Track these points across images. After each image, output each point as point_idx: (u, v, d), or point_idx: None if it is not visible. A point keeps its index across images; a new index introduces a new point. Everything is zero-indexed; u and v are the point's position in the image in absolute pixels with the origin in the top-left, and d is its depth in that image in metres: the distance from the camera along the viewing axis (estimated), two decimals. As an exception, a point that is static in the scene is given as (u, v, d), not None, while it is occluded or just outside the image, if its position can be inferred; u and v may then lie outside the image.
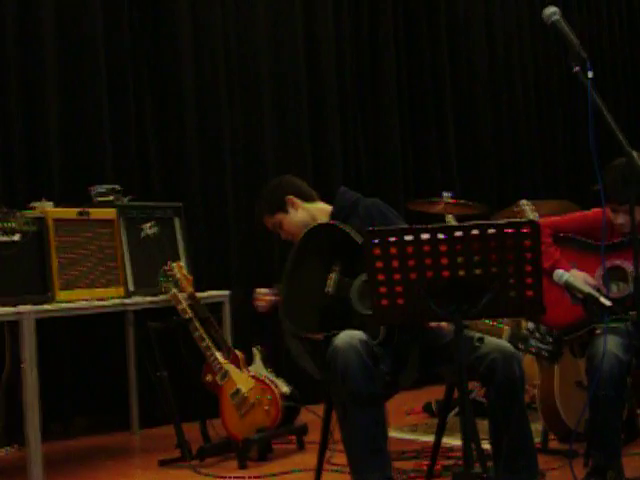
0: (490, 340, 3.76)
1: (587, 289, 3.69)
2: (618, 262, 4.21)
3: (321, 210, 4.29)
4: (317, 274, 3.96)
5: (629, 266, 4.15)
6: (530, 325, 3.54)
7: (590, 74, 3.17)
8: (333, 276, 3.91)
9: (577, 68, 3.22)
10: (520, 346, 3.48)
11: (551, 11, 3.31)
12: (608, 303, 3.58)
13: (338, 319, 3.88)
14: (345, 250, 3.89)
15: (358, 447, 3.70)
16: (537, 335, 3.43)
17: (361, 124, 7.62)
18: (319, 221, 4.18)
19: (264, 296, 4.30)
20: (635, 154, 3.24)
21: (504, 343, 3.78)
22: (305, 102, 7.23)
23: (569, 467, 3.93)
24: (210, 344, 5.21)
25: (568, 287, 3.78)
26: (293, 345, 3.99)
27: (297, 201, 4.30)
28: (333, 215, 4.19)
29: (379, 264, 3.01)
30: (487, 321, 3.61)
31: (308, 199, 4.35)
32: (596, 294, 3.64)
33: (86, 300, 5.26)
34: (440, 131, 8.09)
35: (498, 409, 3.80)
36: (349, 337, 3.66)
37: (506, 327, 3.51)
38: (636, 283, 3.30)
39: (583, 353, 4.23)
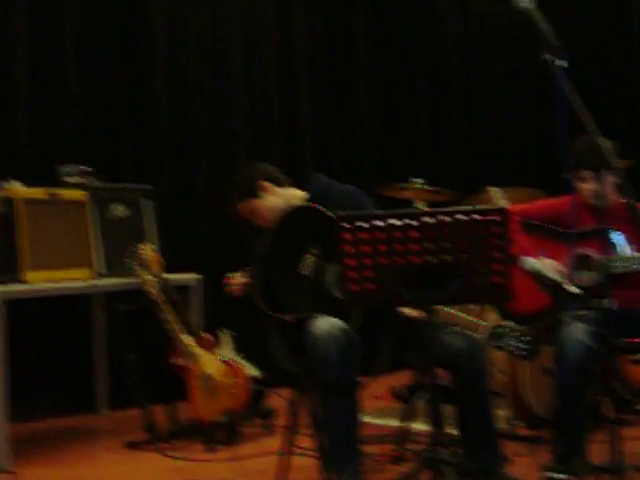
0: (456, 315, 3.78)
1: (555, 277, 3.72)
2: (586, 250, 4.24)
3: (294, 195, 4.26)
4: (294, 256, 3.95)
5: (597, 254, 4.18)
6: (509, 323, 3.56)
7: (564, 62, 3.18)
8: (310, 258, 3.91)
9: (547, 55, 3.23)
10: (497, 344, 3.50)
11: (522, -2, 3.31)
12: (576, 291, 3.60)
13: (311, 302, 3.89)
14: (324, 233, 3.87)
15: (332, 437, 3.74)
16: (515, 334, 3.45)
17: (333, 110, 7.62)
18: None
19: (237, 279, 4.27)
20: (606, 142, 3.26)
21: (470, 334, 3.81)
22: (276, 89, 7.22)
23: (535, 453, 3.97)
24: (179, 327, 5.20)
25: (536, 274, 3.80)
26: (270, 334, 3.99)
27: (270, 186, 4.28)
28: (309, 200, 4.18)
29: (349, 249, 3.02)
30: (465, 316, 3.62)
31: (280, 184, 4.33)
32: (564, 282, 3.66)
33: (55, 281, 5.23)
34: (411, 117, 8.10)
35: (463, 397, 3.85)
36: (330, 326, 3.66)
37: (484, 323, 3.53)
38: (604, 272, 3.32)
39: (551, 340, 4.26)
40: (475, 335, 3.65)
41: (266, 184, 4.27)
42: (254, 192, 4.26)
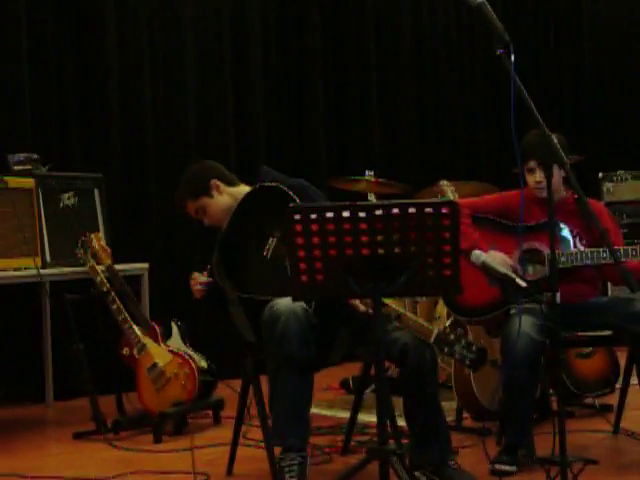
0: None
1: (504, 270, 3.74)
2: (535, 244, 4.28)
3: (245, 192, 4.24)
4: (257, 237, 3.95)
5: (545, 248, 4.22)
6: (458, 330, 3.58)
7: (512, 57, 3.20)
8: (272, 241, 3.91)
9: (500, 51, 3.25)
10: (445, 349, 3.52)
11: (476, -7, 3.33)
12: (524, 284, 3.63)
13: (273, 285, 3.89)
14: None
15: (282, 410, 3.76)
16: (463, 342, 3.47)
17: (285, 102, 7.61)
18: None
19: (201, 280, 4.23)
20: (554, 136, 3.29)
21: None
22: (229, 81, 7.20)
23: (482, 445, 4.00)
24: (127, 317, 5.18)
25: (485, 268, 3.83)
26: (234, 309, 3.99)
27: (221, 185, 4.25)
28: None
29: (300, 240, 3.01)
30: (417, 320, 3.63)
31: (231, 183, 4.31)
32: (512, 275, 3.69)
33: (2, 270, 5.18)
34: (363, 110, 8.11)
35: (410, 391, 3.88)
36: (291, 303, 3.67)
37: (434, 329, 3.55)
38: (551, 265, 3.35)
39: (498, 333, 4.29)
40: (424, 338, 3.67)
41: (218, 183, 4.24)
42: (206, 191, 4.23)
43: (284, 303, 3.71)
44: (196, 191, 4.24)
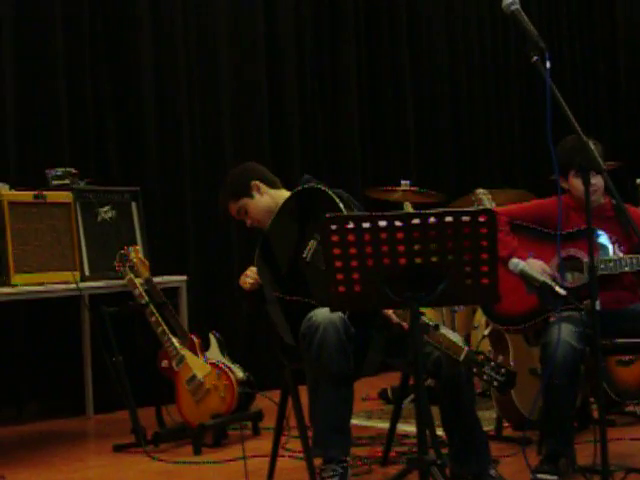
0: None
1: (542, 278, 3.72)
2: (573, 252, 4.25)
3: (285, 197, 4.25)
4: (299, 237, 3.96)
5: (584, 256, 4.19)
6: (488, 353, 3.56)
7: (548, 64, 3.19)
8: (312, 243, 3.91)
9: (535, 58, 3.24)
10: (474, 370, 3.50)
11: (510, 1, 3.33)
12: (563, 292, 3.61)
13: (308, 287, 3.91)
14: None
15: (323, 422, 3.75)
16: (492, 364, 3.45)
17: (320, 112, 7.62)
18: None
19: (253, 274, 4.15)
20: (591, 142, 3.28)
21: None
22: (264, 93, 7.21)
23: (522, 454, 3.97)
24: (166, 329, 5.19)
25: (523, 276, 3.81)
26: (272, 309, 3.99)
27: (262, 186, 4.26)
28: None
29: (337, 251, 3.01)
30: (448, 336, 3.60)
31: (273, 185, 4.32)
32: (551, 283, 3.67)
33: (41, 284, 5.22)
34: (399, 119, 8.10)
35: (446, 403, 3.87)
36: (329, 313, 3.67)
37: (465, 348, 3.52)
38: (591, 273, 3.33)
39: (537, 341, 4.27)
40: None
41: (259, 184, 4.26)
42: (248, 192, 4.24)
43: (322, 314, 3.70)
44: (237, 192, 4.25)
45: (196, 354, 5.21)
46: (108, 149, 6.49)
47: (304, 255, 3.92)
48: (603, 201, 4.32)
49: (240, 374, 5.23)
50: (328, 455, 3.74)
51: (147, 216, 6.03)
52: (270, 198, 4.24)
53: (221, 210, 4.36)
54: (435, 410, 4.01)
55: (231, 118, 7.04)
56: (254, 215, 4.23)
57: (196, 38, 6.92)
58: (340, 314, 3.71)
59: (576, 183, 4.22)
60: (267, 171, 4.39)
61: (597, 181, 4.14)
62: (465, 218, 2.95)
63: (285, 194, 4.26)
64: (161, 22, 6.74)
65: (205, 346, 5.31)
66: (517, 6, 3.32)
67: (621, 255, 4.19)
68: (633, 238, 4.13)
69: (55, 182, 5.60)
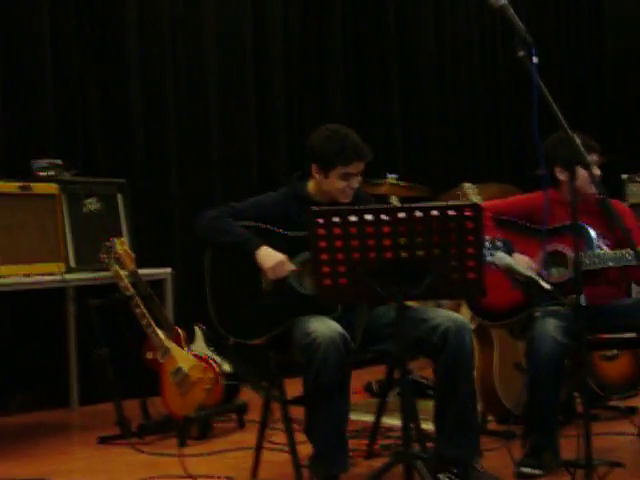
0: (442, 311, 3.80)
1: (528, 272, 3.74)
2: (559, 247, 4.26)
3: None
4: (243, 277, 3.97)
5: (569, 251, 4.20)
6: None
7: (535, 59, 3.20)
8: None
9: (522, 53, 3.25)
10: None
11: (498, -5, 3.34)
12: (548, 287, 3.63)
13: (281, 314, 3.91)
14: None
15: (326, 439, 3.74)
16: None
17: (307, 105, 7.61)
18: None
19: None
20: (577, 138, 3.29)
21: (456, 314, 3.83)
22: (251, 87, 7.19)
23: (506, 448, 3.98)
24: (151, 321, 5.19)
25: (509, 270, 3.82)
26: (235, 362, 4.02)
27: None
28: None
29: (323, 244, 3.02)
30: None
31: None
32: (537, 277, 3.68)
33: (26, 275, 5.20)
34: (385, 112, 8.11)
35: (446, 380, 3.82)
36: (329, 330, 3.67)
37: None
38: (576, 267, 3.34)
39: (522, 335, 4.28)
40: (459, 315, 3.67)
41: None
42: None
43: (322, 330, 3.68)
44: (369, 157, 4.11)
45: (181, 346, 5.20)
46: (94, 141, 6.46)
47: (264, 287, 3.95)
48: (589, 196, 4.34)
49: (225, 366, 5.23)
50: (332, 472, 3.75)
51: (133, 208, 6.01)
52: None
53: (368, 158, 4.09)
54: (421, 404, 4.02)
55: (218, 112, 7.02)
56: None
57: (182, 33, 6.89)
58: (340, 329, 3.70)
59: (581, 174, 4.19)
60: None
61: (596, 172, 4.16)
62: (451, 212, 2.96)
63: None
64: (146, 16, 6.70)
65: (190, 338, 5.32)
66: (505, 1, 3.33)
67: (606, 250, 4.20)
68: (618, 233, 4.15)
69: (41, 173, 5.58)
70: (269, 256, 3.91)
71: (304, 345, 3.70)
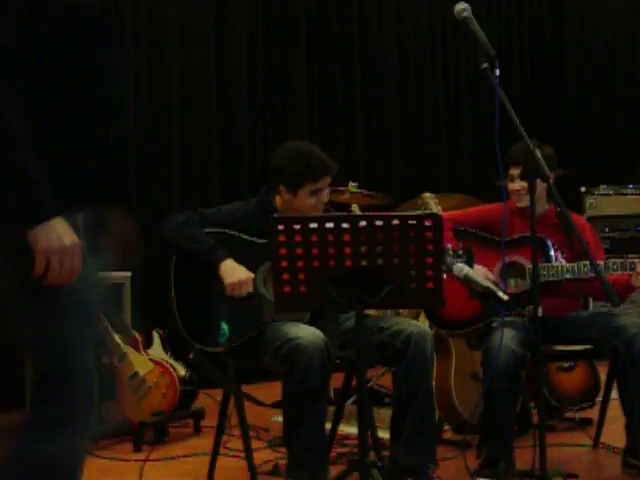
0: (404, 318, 3.83)
1: (486, 283, 3.75)
2: (517, 258, 4.29)
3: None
4: (209, 283, 3.96)
5: (527, 262, 4.23)
6: None
7: (497, 71, 3.22)
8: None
9: (485, 65, 3.27)
10: None
11: (462, 7, 3.37)
12: (505, 297, 3.64)
13: (249, 321, 3.91)
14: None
15: (308, 444, 3.72)
16: None
17: (269, 114, 7.62)
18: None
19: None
20: (537, 151, 3.31)
21: (420, 324, 3.87)
22: (214, 94, 7.20)
23: (462, 458, 4.00)
24: (107, 326, 5.16)
25: (467, 280, 3.83)
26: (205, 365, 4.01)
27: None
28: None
29: (283, 251, 3.01)
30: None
31: None
32: (494, 288, 3.70)
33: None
34: (348, 121, 8.13)
35: (405, 386, 3.85)
36: (313, 336, 3.67)
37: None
38: (533, 279, 3.36)
39: (479, 345, 4.30)
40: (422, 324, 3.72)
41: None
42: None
43: (307, 336, 3.67)
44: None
45: (138, 351, 5.18)
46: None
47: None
48: (547, 208, 4.38)
49: (182, 372, 5.21)
50: (315, 478, 3.72)
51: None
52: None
53: (334, 171, 4.04)
54: (377, 412, 4.02)
55: (180, 114, 7.02)
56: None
57: (145, 25, 6.89)
58: (322, 335, 3.70)
59: (508, 185, 4.32)
60: None
61: (521, 186, 4.25)
62: (411, 222, 2.97)
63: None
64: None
65: (148, 343, 5.29)
66: (469, 13, 3.35)
67: (563, 262, 4.24)
68: (575, 246, 4.18)
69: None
70: (232, 270, 3.90)
71: (287, 350, 3.68)
